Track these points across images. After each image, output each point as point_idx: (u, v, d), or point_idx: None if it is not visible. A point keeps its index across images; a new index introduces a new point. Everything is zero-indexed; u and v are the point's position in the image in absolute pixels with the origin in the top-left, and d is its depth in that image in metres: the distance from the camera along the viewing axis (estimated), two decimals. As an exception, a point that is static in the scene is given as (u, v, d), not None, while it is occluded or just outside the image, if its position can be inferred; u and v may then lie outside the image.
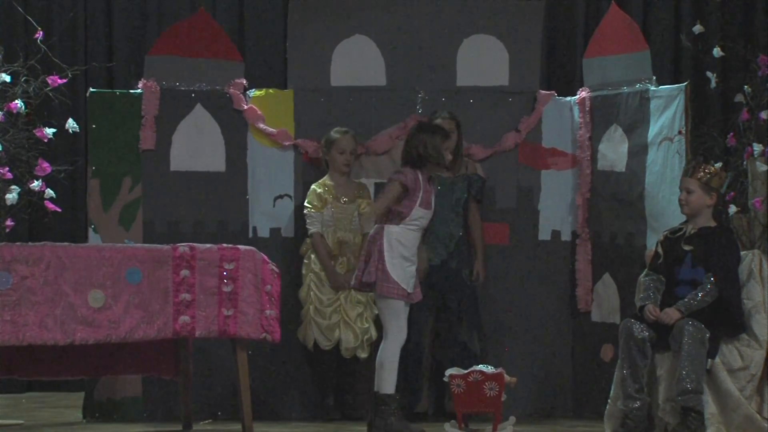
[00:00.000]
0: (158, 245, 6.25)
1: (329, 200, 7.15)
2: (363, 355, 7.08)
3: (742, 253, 6.30)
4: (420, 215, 6.35)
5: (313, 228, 7.13)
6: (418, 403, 7.13)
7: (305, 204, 7.16)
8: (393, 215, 6.33)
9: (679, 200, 6.28)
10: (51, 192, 7.12)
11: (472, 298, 7.15)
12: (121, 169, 7.22)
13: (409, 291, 6.30)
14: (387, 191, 6.33)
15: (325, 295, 7.10)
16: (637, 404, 6.09)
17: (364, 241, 7.11)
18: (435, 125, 6.61)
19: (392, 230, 6.32)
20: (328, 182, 7.20)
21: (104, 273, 5.96)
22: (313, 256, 7.14)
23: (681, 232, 6.30)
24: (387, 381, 6.31)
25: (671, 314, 6.09)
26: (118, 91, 7.47)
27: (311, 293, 7.11)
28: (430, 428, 6.46)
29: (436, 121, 7.08)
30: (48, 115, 7.42)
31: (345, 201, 7.17)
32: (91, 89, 7.37)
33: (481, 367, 6.44)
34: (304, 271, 7.16)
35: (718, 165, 6.37)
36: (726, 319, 6.12)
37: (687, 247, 6.24)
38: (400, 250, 6.31)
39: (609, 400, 6.30)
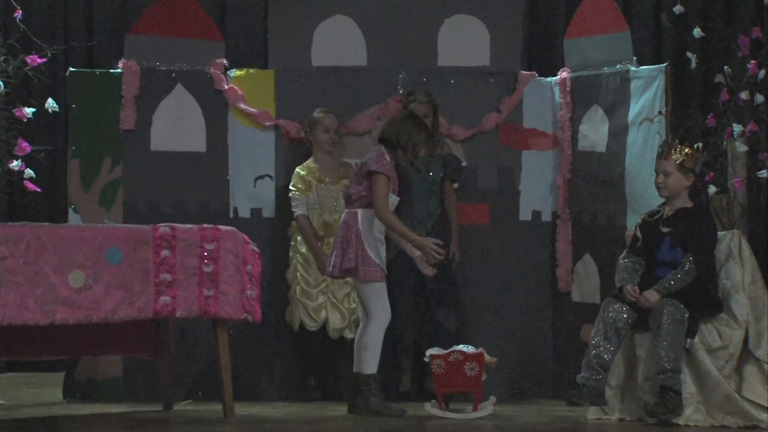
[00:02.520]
0: (139, 225, 6.24)
1: (313, 182, 7.15)
2: (350, 335, 7.08)
3: (721, 233, 6.33)
4: (393, 201, 6.39)
5: (298, 210, 7.13)
6: (399, 383, 7.15)
7: (290, 187, 7.16)
8: (364, 199, 6.34)
9: (657, 184, 6.29)
10: (31, 172, 7.09)
11: (450, 278, 7.16)
12: (102, 149, 7.20)
13: (386, 271, 6.33)
14: (380, 190, 6.31)
15: (312, 277, 7.10)
16: (599, 376, 6.05)
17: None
18: (423, 122, 6.59)
19: (366, 213, 6.33)
20: (312, 164, 7.19)
21: (84, 253, 5.94)
22: (299, 237, 7.15)
23: (658, 215, 6.32)
24: (369, 362, 6.33)
25: (650, 297, 6.11)
26: (98, 71, 7.44)
27: (298, 274, 7.12)
28: (411, 408, 6.48)
29: (413, 103, 7.10)
30: (27, 94, 7.40)
31: (329, 182, 7.17)
32: (71, 69, 7.34)
33: (461, 347, 6.46)
34: (290, 253, 7.16)
35: (697, 145, 6.39)
36: (705, 299, 6.15)
37: (665, 229, 6.26)
38: (375, 233, 6.34)
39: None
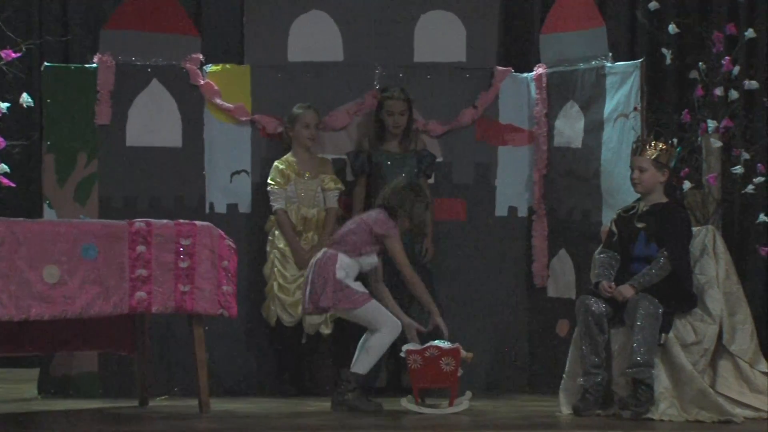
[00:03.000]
0: (114, 221, 6.22)
1: (292, 177, 7.15)
2: (326, 331, 7.08)
3: (696, 228, 6.36)
4: (373, 262, 6.43)
5: (277, 205, 7.13)
6: (377, 379, 7.15)
7: (269, 181, 7.15)
8: (350, 246, 6.35)
9: (632, 179, 6.31)
10: (5, 167, 7.07)
11: (424, 274, 7.16)
12: (77, 144, 7.17)
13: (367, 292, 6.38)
14: (399, 250, 6.36)
15: (289, 272, 7.10)
16: (598, 379, 6.14)
17: (327, 217, 7.13)
18: (425, 193, 6.61)
19: (344, 261, 6.34)
20: (291, 158, 7.19)
21: (59, 249, 5.92)
22: (277, 232, 7.14)
23: (633, 210, 6.35)
24: (365, 363, 6.34)
25: (624, 291, 6.14)
26: (73, 66, 7.41)
27: (275, 270, 7.11)
28: (387, 403, 6.49)
29: (388, 100, 7.10)
30: (2, 89, 7.35)
31: (308, 177, 7.17)
32: (46, 63, 7.31)
33: (437, 342, 6.47)
34: (268, 248, 7.16)
35: (671, 141, 6.42)
36: (679, 295, 6.17)
37: (640, 225, 6.29)
38: (351, 277, 6.35)
39: (564, 375, 6.35)
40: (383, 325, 6.33)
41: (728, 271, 6.28)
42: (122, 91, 7.21)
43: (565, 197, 7.35)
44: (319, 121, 7.22)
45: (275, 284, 7.10)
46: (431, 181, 7.35)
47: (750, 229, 8.13)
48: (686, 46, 7.98)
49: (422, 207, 6.46)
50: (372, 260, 6.43)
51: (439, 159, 7.40)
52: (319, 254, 6.43)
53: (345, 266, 6.33)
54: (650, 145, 6.26)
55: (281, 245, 7.11)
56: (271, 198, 7.13)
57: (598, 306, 6.15)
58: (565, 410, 6.25)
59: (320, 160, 7.24)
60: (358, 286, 6.36)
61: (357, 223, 6.47)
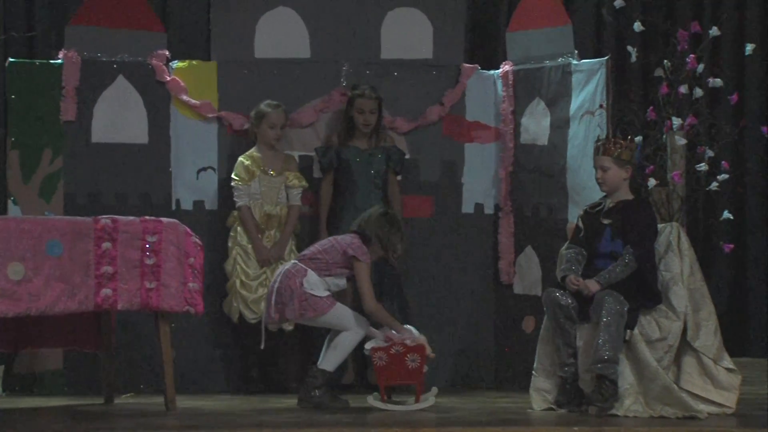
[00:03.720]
0: (79, 217, 6.19)
1: (256, 173, 7.14)
2: (289, 327, 7.08)
3: (661, 225, 6.39)
4: (341, 284, 6.40)
5: (240, 201, 7.11)
6: (343, 375, 7.16)
7: (232, 176, 7.14)
8: (321, 264, 6.33)
9: (597, 179, 6.35)
10: (-31, 163, 7.03)
11: (394, 272, 7.18)
12: (42, 140, 7.14)
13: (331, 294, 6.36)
14: (367, 282, 6.29)
15: (252, 269, 7.09)
16: (573, 369, 6.16)
17: (290, 215, 7.12)
18: (400, 224, 6.50)
19: (313, 277, 6.30)
20: (256, 154, 7.18)
21: (24, 245, 5.89)
22: (239, 228, 7.13)
23: (600, 207, 6.38)
24: (332, 360, 6.33)
25: (591, 286, 6.17)
26: (38, 62, 7.37)
27: (237, 266, 7.10)
28: (353, 400, 6.49)
29: (359, 98, 7.10)
30: (-34, 85, 7.30)
31: (272, 174, 7.16)
32: (11, 59, 7.28)
33: (407, 326, 6.47)
34: (230, 244, 7.14)
35: (630, 136, 6.45)
36: (644, 291, 6.21)
37: (605, 221, 6.32)
38: (313, 284, 6.32)
39: (533, 373, 6.36)
40: (351, 326, 6.33)
41: (693, 268, 6.31)
42: (88, 87, 7.18)
43: (532, 194, 7.38)
44: (287, 120, 7.20)
45: (237, 281, 7.09)
46: (399, 177, 7.36)
47: (714, 226, 8.18)
48: (651, 44, 8.02)
49: (398, 238, 6.42)
50: (340, 282, 6.39)
51: (406, 156, 7.41)
52: (288, 265, 6.40)
53: (312, 283, 6.30)
54: (610, 144, 6.30)
55: (244, 242, 7.10)
56: (235, 194, 7.11)
57: (565, 298, 6.18)
58: (537, 407, 6.26)
59: (285, 158, 7.23)
60: (321, 292, 6.32)
61: (330, 243, 6.44)
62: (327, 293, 6.33)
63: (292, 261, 6.46)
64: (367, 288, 6.32)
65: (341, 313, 6.33)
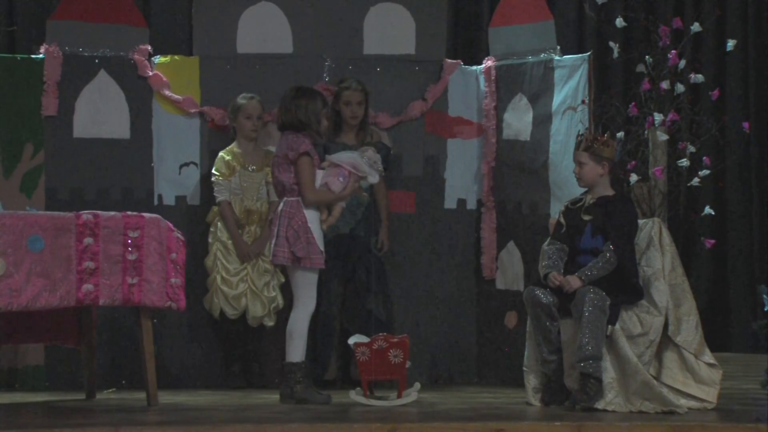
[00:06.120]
0: (61, 213, 6.17)
1: (237, 168, 7.13)
2: (270, 323, 7.09)
3: (642, 221, 6.41)
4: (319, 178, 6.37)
5: (221, 196, 7.10)
6: (326, 371, 7.16)
7: (213, 171, 7.13)
8: (295, 191, 6.31)
9: (574, 174, 6.37)
10: (-50, 158, 7.00)
11: (379, 267, 7.19)
12: (23, 135, 7.12)
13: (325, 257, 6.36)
14: (307, 173, 6.26)
15: (232, 265, 7.08)
16: (554, 365, 6.18)
17: (270, 210, 7.11)
18: (314, 90, 6.55)
19: (311, 216, 6.29)
20: (236, 150, 7.17)
21: (5, 241, 5.87)
22: (220, 224, 7.12)
23: (581, 203, 6.40)
24: (295, 350, 6.33)
25: (572, 282, 6.18)
26: (19, 56, 7.34)
27: (218, 262, 7.09)
28: (336, 395, 6.49)
29: (345, 91, 7.11)
30: (-53, 79, 7.27)
31: (253, 169, 7.16)
32: (-8, 54, 7.25)
33: (384, 334, 6.48)
34: (210, 240, 7.13)
35: (608, 132, 6.46)
36: (626, 287, 6.22)
37: (586, 217, 6.33)
38: (317, 219, 6.32)
39: (524, 368, 6.36)
40: (302, 301, 6.30)
41: (674, 264, 6.33)
42: (69, 82, 7.16)
43: (514, 190, 7.39)
44: (263, 111, 7.19)
45: (218, 277, 7.08)
46: (384, 173, 7.35)
47: (695, 221, 8.21)
48: (633, 40, 8.04)
49: (319, 105, 6.36)
50: (319, 177, 6.32)
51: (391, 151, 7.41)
52: (281, 206, 6.36)
53: (311, 221, 6.28)
54: (588, 140, 6.32)
55: (224, 238, 7.09)
56: (215, 189, 7.10)
57: (545, 296, 6.20)
58: (534, 402, 6.28)
59: (266, 153, 7.22)
60: (323, 245, 6.30)
61: (279, 160, 6.36)
62: (323, 253, 6.30)
63: (283, 199, 6.35)
64: (306, 180, 6.26)
65: (311, 282, 6.31)
